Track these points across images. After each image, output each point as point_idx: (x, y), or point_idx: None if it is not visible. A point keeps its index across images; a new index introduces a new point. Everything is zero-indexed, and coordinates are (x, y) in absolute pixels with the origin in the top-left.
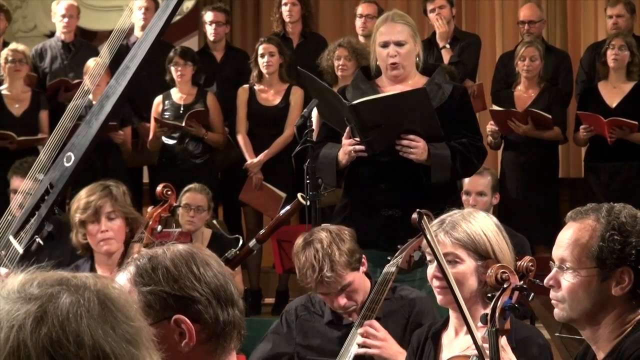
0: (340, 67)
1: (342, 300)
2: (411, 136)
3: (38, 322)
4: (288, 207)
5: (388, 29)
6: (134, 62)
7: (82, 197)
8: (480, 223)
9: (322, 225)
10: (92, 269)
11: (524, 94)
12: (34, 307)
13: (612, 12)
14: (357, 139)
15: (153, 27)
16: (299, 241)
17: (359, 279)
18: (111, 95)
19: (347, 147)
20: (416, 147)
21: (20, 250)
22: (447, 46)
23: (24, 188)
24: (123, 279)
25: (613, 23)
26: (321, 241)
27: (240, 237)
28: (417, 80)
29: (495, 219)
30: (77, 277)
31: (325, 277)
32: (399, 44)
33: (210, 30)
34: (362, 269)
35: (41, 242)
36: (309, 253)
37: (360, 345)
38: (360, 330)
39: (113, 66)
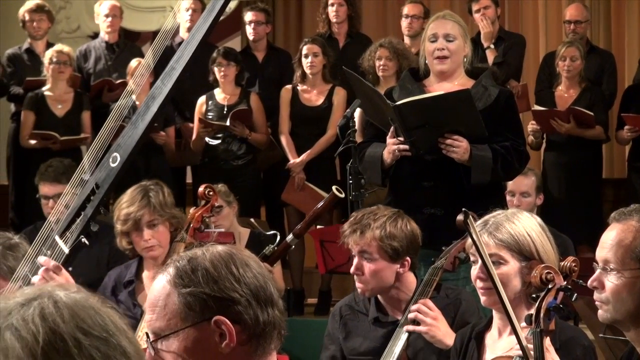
0: (381, 67)
1: (354, 265)
2: (455, 136)
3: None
4: (322, 202)
5: (438, 24)
6: (180, 63)
7: (123, 206)
8: (524, 224)
9: (405, 215)
10: (140, 268)
11: (565, 93)
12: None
13: None
14: (401, 138)
15: (199, 28)
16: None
17: (387, 272)
18: (157, 96)
19: (392, 147)
20: (459, 147)
21: (66, 250)
22: (492, 46)
23: (63, 192)
24: (163, 281)
25: None
26: (385, 212)
27: (278, 233)
28: (463, 82)
29: (539, 219)
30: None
31: (351, 229)
32: (448, 37)
33: (249, 30)
34: (398, 267)
35: (87, 242)
36: (368, 211)
37: (411, 321)
38: (413, 307)
39: (158, 67)
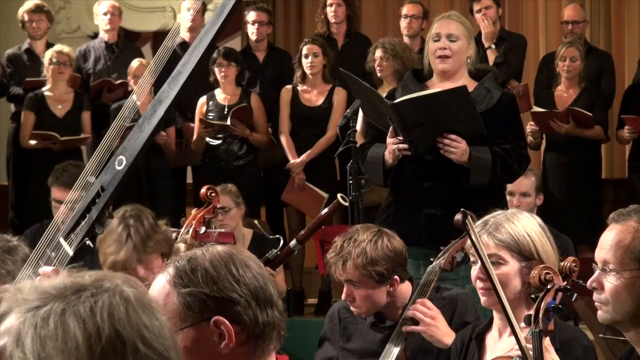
0: (377, 67)
1: (344, 292)
2: (452, 136)
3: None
4: (327, 209)
5: (443, 24)
6: (186, 67)
7: (108, 251)
8: (524, 224)
9: (386, 230)
10: None
11: (564, 94)
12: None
13: None
14: (401, 137)
15: (207, 32)
16: (358, 226)
17: (378, 294)
18: (164, 100)
19: (391, 146)
20: (457, 148)
21: (71, 252)
22: (493, 46)
23: (69, 199)
24: (162, 281)
25: None
26: (364, 236)
27: (281, 238)
28: (465, 83)
29: (539, 220)
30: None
31: (333, 260)
32: (451, 37)
33: (252, 30)
34: (388, 287)
35: (91, 244)
36: (348, 236)
37: (409, 319)
38: (412, 307)
39: (162, 71)
